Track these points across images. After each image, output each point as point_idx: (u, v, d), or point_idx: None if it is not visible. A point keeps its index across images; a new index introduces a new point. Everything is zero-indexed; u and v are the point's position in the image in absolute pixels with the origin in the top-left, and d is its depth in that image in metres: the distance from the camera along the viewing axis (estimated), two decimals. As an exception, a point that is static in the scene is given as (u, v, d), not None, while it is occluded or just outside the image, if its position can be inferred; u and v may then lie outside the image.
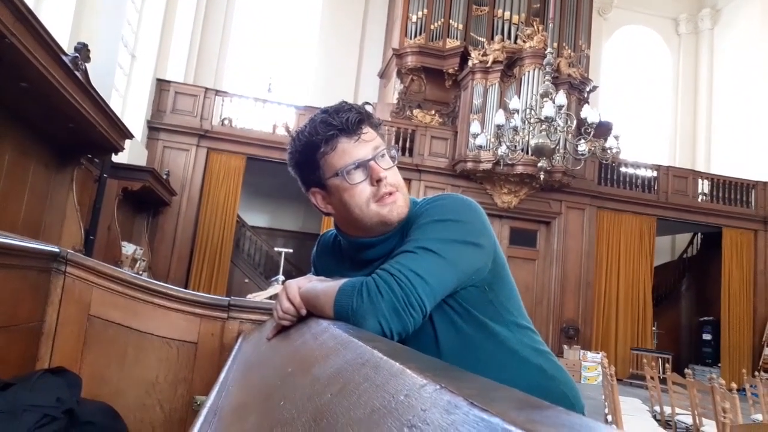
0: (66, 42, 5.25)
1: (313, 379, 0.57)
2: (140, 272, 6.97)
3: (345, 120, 1.01)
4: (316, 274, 1.20)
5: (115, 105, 7.34)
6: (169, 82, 9.15)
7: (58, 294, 1.66)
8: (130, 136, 5.35)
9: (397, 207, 1.03)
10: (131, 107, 8.37)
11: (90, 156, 5.36)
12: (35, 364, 1.63)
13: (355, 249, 1.11)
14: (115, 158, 6.18)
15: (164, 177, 8.06)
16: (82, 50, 4.05)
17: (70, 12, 5.62)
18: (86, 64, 4.11)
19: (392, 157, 1.06)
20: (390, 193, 1.02)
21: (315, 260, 1.27)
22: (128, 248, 6.93)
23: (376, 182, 1.01)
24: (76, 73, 3.70)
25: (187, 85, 9.56)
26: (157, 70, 8.82)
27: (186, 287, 8.31)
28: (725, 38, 13.51)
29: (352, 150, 1.01)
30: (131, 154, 7.34)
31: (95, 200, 5.58)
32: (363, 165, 1.00)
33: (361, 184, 1.01)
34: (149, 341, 1.74)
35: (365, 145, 1.01)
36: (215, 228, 8.88)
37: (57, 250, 1.68)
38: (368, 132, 1.03)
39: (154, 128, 8.91)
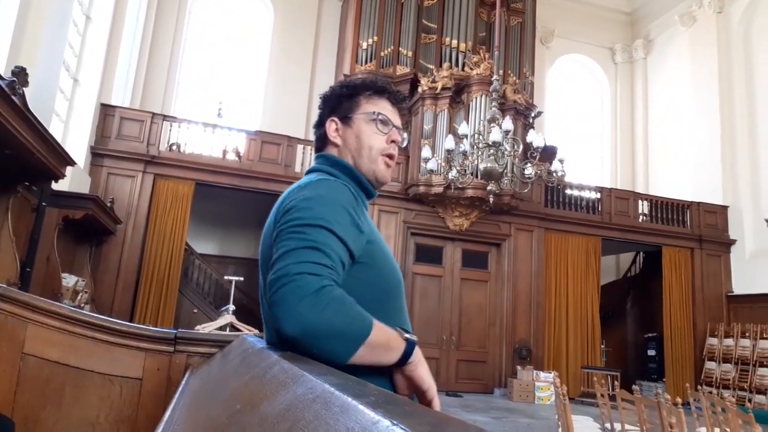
0: (3, 66, 5.04)
1: (262, 418, 0.55)
2: (82, 305, 6.65)
3: (398, 93, 1.25)
4: (354, 220, 1.02)
5: (56, 131, 7.06)
6: (114, 107, 8.90)
7: (-12, 332, 1.56)
8: (72, 162, 5.16)
9: (389, 174, 1.20)
10: (73, 133, 8.07)
11: (28, 184, 5.13)
12: (-38, 408, 1.51)
13: (369, 194, 1.20)
14: (56, 186, 5.94)
15: (108, 205, 7.78)
16: (20, 74, 3.90)
17: (7, 35, 5.41)
18: (24, 89, 3.96)
19: (402, 141, 1.25)
20: (392, 158, 1.20)
21: (353, 207, 1.04)
22: (69, 280, 6.61)
23: (391, 142, 1.19)
24: (13, 97, 3.56)
25: (133, 110, 9.32)
26: (102, 94, 8.56)
27: (131, 319, 7.98)
28: (657, 67, 14.34)
29: (390, 111, 1.21)
30: (73, 181, 7.06)
31: (33, 230, 5.33)
32: (393, 125, 1.20)
33: (380, 134, 1.18)
34: (89, 379, 1.64)
35: (397, 118, 1.22)
36: (162, 257, 8.60)
37: (-12, 284, 1.58)
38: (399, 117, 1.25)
39: (98, 154, 8.61)
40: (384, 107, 1.20)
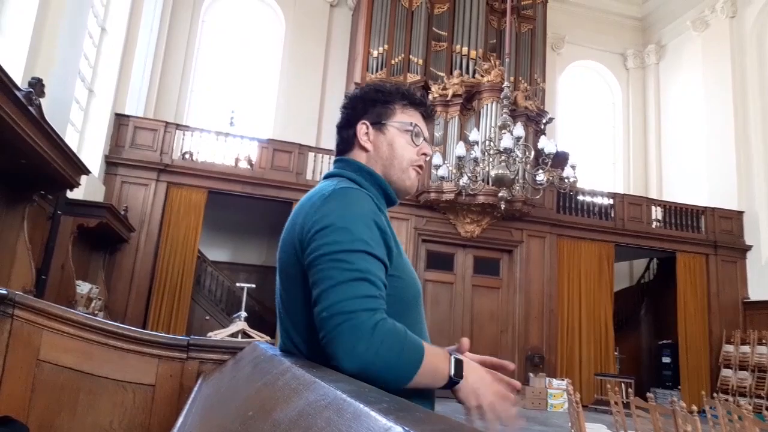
0: (20, 77, 5.13)
1: (274, 425, 0.55)
2: (96, 312, 6.71)
3: (430, 107, 1.27)
4: (384, 234, 1.01)
5: (71, 140, 7.16)
6: (128, 116, 9.00)
7: (4, 339, 1.58)
8: (87, 171, 5.23)
9: (415, 185, 1.21)
10: (88, 142, 8.18)
11: (43, 192, 5.20)
12: (-21, 414, 1.53)
13: (391, 202, 1.19)
14: (71, 194, 6.02)
15: (122, 213, 7.86)
16: (37, 85, 3.96)
17: (24, 47, 5.51)
18: (40, 99, 4.02)
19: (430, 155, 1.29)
20: (421, 169, 1.21)
21: (380, 219, 1.02)
22: (83, 287, 6.67)
23: (422, 155, 1.20)
24: (30, 108, 3.61)
25: (146, 119, 9.43)
26: (116, 104, 8.67)
27: (144, 326, 8.03)
28: (670, 72, 14.23)
29: (422, 125, 1.22)
30: (88, 190, 7.15)
31: (48, 238, 5.39)
32: (425, 139, 1.21)
33: (412, 146, 1.19)
34: (103, 385, 1.66)
35: (426, 131, 1.23)
36: (175, 264, 8.66)
37: (4, 292, 1.60)
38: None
39: (112, 163, 8.71)
40: (418, 120, 1.20)
